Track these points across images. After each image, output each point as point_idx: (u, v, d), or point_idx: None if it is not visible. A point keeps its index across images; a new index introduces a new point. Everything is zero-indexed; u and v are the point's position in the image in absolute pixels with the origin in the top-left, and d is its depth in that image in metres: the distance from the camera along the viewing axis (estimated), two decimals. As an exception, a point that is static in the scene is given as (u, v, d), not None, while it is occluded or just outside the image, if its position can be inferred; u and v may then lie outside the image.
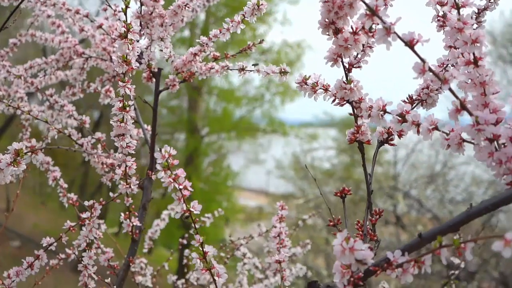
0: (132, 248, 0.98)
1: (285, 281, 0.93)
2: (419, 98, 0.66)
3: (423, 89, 0.66)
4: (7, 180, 0.69)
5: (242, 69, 0.91)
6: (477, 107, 0.53)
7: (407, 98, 0.67)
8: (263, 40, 0.96)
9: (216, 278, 0.63)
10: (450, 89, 0.50)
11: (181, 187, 0.60)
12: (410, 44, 0.49)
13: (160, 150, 0.59)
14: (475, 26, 0.70)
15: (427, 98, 0.66)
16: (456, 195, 6.94)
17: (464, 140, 0.53)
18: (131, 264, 0.97)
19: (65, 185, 1.08)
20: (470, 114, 0.50)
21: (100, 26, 1.07)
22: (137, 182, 0.89)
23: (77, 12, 1.09)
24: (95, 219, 0.88)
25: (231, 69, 0.94)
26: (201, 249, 0.64)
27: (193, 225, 0.63)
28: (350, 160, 9.17)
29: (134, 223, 0.95)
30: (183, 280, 1.48)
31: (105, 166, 1.00)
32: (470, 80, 0.54)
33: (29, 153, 0.66)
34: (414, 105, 0.67)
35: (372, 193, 0.62)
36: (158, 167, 0.60)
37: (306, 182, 8.65)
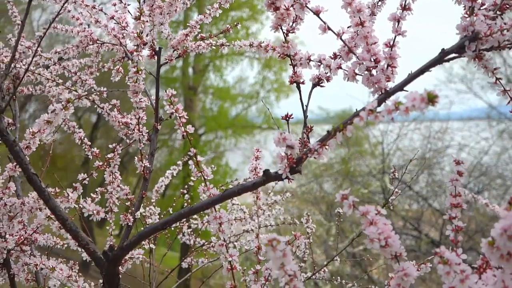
0: (144, 184, 1.29)
1: (259, 203, 1.24)
2: (339, 54, 0.97)
3: (342, 47, 0.97)
4: (60, 121, 1.00)
5: (222, 45, 1.22)
6: (364, 52, 0.84)
7: (332, 54, 0.98)
8: (238, 23, 1.27)
9: (205, 177, 0.94)
10: (341, 39, 0.81)
11: (180, 115, 0.91)
12: (316, 13, 0.81)
13: (165, 91, 0.90)
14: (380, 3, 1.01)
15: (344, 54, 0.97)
16: (443, 178, 7.27)
17: (356, 74, 0.85)
18: (143, 196, 1.28)
19: (89, 143, 1.39)
20: (355, 54, 0.81)
21: (112, 17, 1.37)
22: (147, 131, 1.20)
23: (93, 7, 1.40)
24: (117, 158, 1.19)
25: (214, 46, 1.25)
26: (195, 159, 0.95)
27: (188, 142, 0.94)
28: (347, 153, 9.49)
29: (146, 164, 1.26)
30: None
31: (120, 123, 1.31)
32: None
33: (77, 99, 0.97)
34: (337, 58, 0.98)
35: (307, 117, 0.93)
36: (165, 103, 0.91)
37: (305, 177, 8.96)
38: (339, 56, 0.97)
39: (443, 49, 0.75)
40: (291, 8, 0.87)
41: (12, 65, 1.38)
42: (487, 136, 7.93)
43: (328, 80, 0.96)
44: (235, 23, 1.25)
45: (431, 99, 0.58)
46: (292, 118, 0.95)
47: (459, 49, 0.74)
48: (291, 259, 0.66)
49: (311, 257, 1.42)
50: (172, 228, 1.65)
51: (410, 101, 0.60)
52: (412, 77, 0.77)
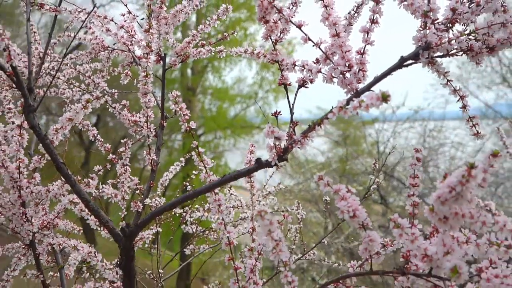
0: (152, 175, 1.45)
1: (254, 190, 1.40)
2: (320, 60, 1.13)
3: (321, 54, 1.13)
4: (79, 119, 1.15)
5: (220, 51, 1.38)
6: (339, 59, 1.00)
7: (315, 59, 1.14)
8: (234, 31, 1.43)
9: (206, 165, 1.10)
10: (319, 48, 0.97)
11: (184, 113, 1.07)
12: (299, 26, 0.97)
13: (171, 92, 1.06)
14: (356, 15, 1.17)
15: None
16: (439, 175, 7.42)
17: (333, 76, 1.00)
18: (151, 186, 1.44)
19: (102, 140, 1.55)
20: (330, 60, 0.97)
21: (122, 27, 1.53)
22: (155, 127, 1.36)
23: (105, 17, 1.56)
24: (128, 151, 1.35)
25: (213, 52, 1.41)
26: (197, 150, 1.10)
27: (189, 139, 1.10)
28: (344, 153, 9.64)
29: (153, 157, 1.42)
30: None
31: (130, 121, 1.47)
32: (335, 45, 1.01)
33: (95, 100, 1.13)
34: (319, 64, 1.13)
35: (293, 114, 1.09)
36: (170, 103, 1.07)
37: (302, 176, 9.11)
38: (320, 62, 1.13)
39: (402, 56, 0.91)
40: (279, 22, 1.03)
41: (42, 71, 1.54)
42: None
43: (311, 82, 1.12)
44: (232, 32, 1.41)
45: (384, 98, 0.74)
46: (281, 115, 1.11)
47: (414, 56, 0.90)
48: (277, 227, 0.81)
49: (301, 240, 1.58)
50: (177, 214, 1.81)
51: (369, 99, 0.76)
52: (377, 80, 0.93)
